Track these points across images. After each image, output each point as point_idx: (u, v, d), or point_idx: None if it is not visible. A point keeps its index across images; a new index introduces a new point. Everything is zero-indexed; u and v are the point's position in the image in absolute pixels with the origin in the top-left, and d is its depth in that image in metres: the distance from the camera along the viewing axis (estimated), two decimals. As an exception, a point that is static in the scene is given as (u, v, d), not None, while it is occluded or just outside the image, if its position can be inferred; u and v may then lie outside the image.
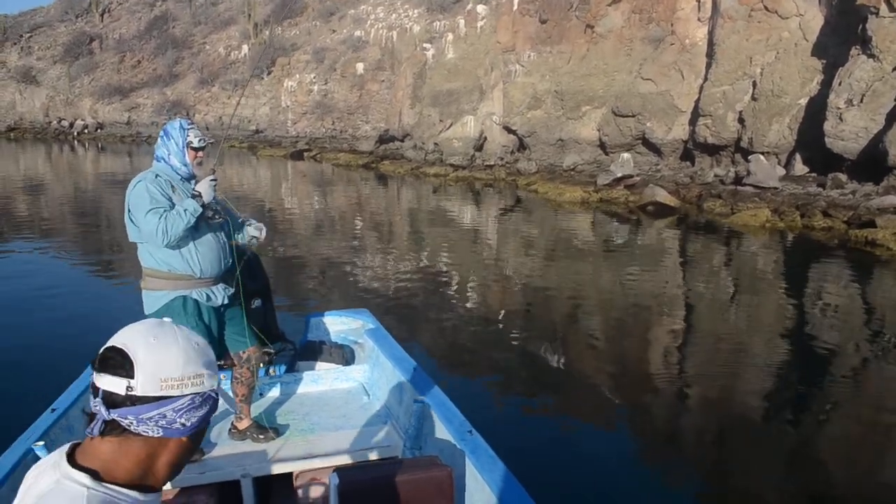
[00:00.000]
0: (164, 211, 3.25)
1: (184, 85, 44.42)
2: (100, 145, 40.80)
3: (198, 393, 1.22)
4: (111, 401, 1.17)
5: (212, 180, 3.45)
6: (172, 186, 3.39)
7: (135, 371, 1.17)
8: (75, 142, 42.93)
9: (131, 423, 1.18)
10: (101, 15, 54.36)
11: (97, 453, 1.19)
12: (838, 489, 4.35)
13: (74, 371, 3.81)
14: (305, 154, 32.07)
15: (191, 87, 43.92)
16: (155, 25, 50.63)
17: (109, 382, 1.17)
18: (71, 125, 46.61)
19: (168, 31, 49.59)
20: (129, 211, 3.35)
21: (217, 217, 3.49)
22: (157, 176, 3.37)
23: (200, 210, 3.33)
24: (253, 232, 3.79)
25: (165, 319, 1.29)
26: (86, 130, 45.93)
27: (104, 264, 10.87)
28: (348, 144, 32.16)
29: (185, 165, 3.43)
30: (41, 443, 2.99)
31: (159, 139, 3.47)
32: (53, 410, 3.30)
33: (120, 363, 1.17)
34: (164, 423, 1.19)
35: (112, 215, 16.18)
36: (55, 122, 47.31)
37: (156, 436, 1.20)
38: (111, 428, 1.18)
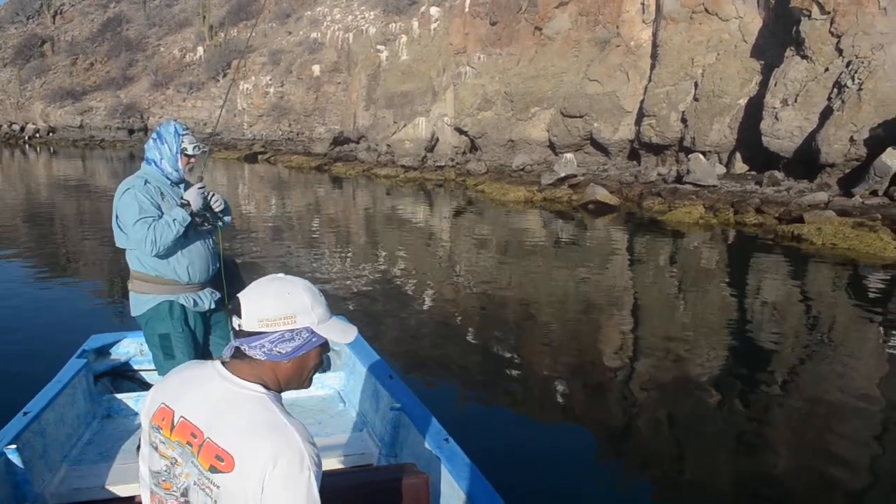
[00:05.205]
0: (153, 220, 3.25)
1: (138, 88, 43.76)
2: (52, 150, 40.01)
3: (288, 329, 1.55)
4: (236, 333, 1.58)
5: (200, 188, 3.46)
6: (161, 193, 3.38)
7: (242, 313, 1.56)
8: (26, 146, 42.06)
9: (245, 349, 1.56)
10: (53, 17, 53.30)
11: (246, 371, 1.58)
12: (781, 473, 4.51)
13: (46, 374, 3.75)
14: (259, 156, 31.89)
15: (145, 90, 43.28)
16: (108, 27, 49.83)
17: (234, 322, 1.58)
18: (22, 129, 45.63)
19: (121, 33, 48.83)
20: (116, 217, 3.34)
21: (206, 224, 3.50)
22: (146, 182, 3.36)
23: (189, 219, 3.32)
24: (217, 208, 3.59)
25: (280, 275, 1.65)
26: (37, 135, 45.02)
27: (66, 269, 10.69)
28: (304, 147, 32.00)
29: (177, 171, 3.45)
30: (13, 446, 2.91)
31: (151, 141, 3.46)
32: (26, 414, 3.23)
33: (237, 308, 1.57)
34: (265, 350, 1.56)
35: (69, 221, 15.95)
36: (6, 126, 46.27)
37: (262, 359, 1.56)
38: (239, 353, 1.58)
